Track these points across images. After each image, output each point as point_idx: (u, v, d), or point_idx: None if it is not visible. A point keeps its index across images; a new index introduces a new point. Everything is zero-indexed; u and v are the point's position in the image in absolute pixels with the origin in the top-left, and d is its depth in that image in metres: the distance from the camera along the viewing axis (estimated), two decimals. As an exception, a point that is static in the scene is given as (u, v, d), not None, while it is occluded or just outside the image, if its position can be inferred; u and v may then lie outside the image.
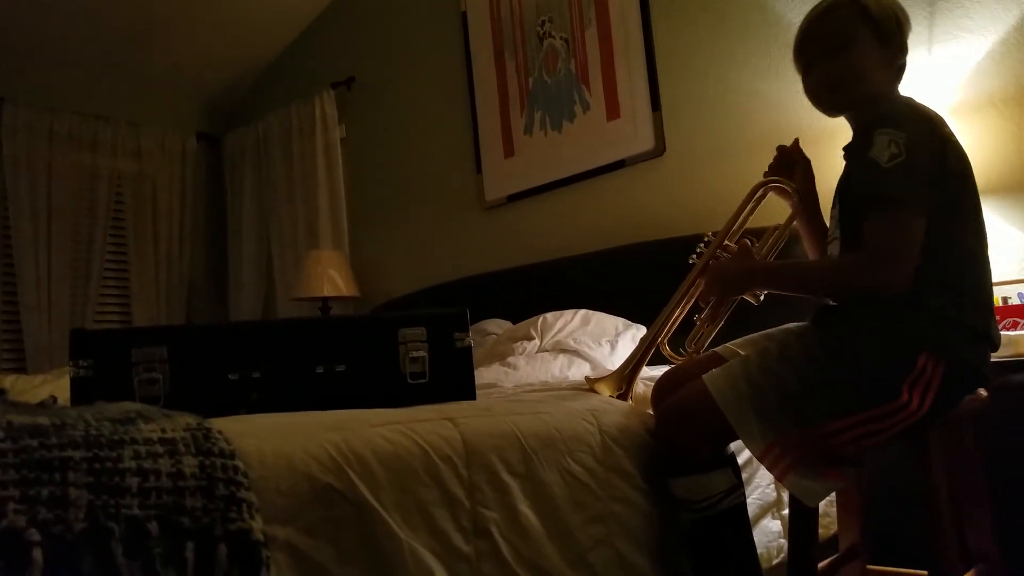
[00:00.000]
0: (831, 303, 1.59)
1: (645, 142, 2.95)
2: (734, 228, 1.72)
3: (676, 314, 1.70)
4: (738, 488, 1.42)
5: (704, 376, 1.42)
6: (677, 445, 1.42)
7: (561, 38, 3.26)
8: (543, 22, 3.32)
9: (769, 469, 1.36)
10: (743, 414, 1.36)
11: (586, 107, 3.16)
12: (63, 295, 4.16)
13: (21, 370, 3.95)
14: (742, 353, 1.56)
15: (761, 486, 1.78)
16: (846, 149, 1.56)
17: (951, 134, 1.40)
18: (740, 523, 1.43)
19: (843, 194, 1.52)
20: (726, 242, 1.70)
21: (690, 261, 1.71)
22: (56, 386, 2.48)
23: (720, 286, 1.60)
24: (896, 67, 1.52)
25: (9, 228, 4.05)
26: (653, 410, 1.58)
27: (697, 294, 1.67)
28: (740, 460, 1.71)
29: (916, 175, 1.33)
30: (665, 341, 1.72)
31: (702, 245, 1.72)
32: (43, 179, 4.14)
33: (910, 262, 1.33)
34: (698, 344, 1.74)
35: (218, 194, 4.92)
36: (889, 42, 1.48)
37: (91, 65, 4.35)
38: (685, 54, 2.87)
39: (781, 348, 1.41)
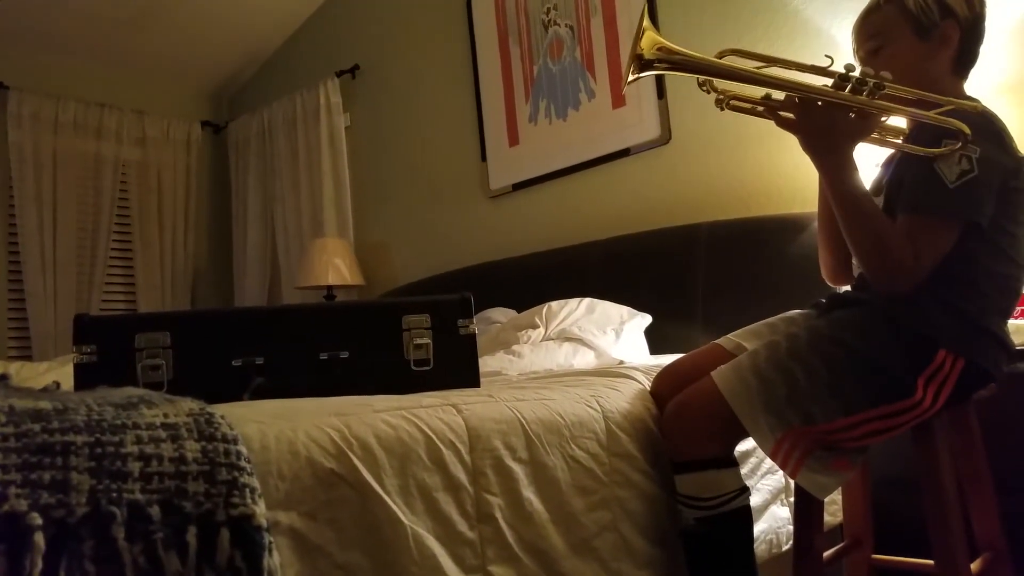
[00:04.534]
0: (840, 291, 1.58)
1: (651, 130, 2.94)
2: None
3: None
4: (746, 490, 1.40)
5: (712, 372, 1.40)
6: (686, 442, 1.39)
7: (566, 25, 3.24)
8: (548, 9, 3.30)
9: (781, 466, 1.34)
10: (753, 409, 1.34)
11: (591, 95, 3.15)
12: (68, 282, 4.16)
13: (27, 357, 3.96)
14: (744, 344, 1.54)
15: (770, 472, 1.77)
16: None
17: (1016, 147, 1.37)
18: (747, 524, 1.41)
19: (896, 188, 1.43)
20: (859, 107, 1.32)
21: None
22: (60, 373, 2.48)
23: (808, 119, 1.36)
24: (953, 61, 1.46)
25: (14, 215, 4.05)
26: (654, 404, 1.56)
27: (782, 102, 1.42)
28: (746, 447, 1.71)
29: (983, 192, 1.30)
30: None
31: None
32: (48, 166, 4.14)
33: (926, 272, 1.32)
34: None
35: (223, 182, 4.93)
36: (929, 33, 1.43)
37: (95, 53, 4.35)
38: (691, 41, 2.85)
39: (790, 342, 1.38)
